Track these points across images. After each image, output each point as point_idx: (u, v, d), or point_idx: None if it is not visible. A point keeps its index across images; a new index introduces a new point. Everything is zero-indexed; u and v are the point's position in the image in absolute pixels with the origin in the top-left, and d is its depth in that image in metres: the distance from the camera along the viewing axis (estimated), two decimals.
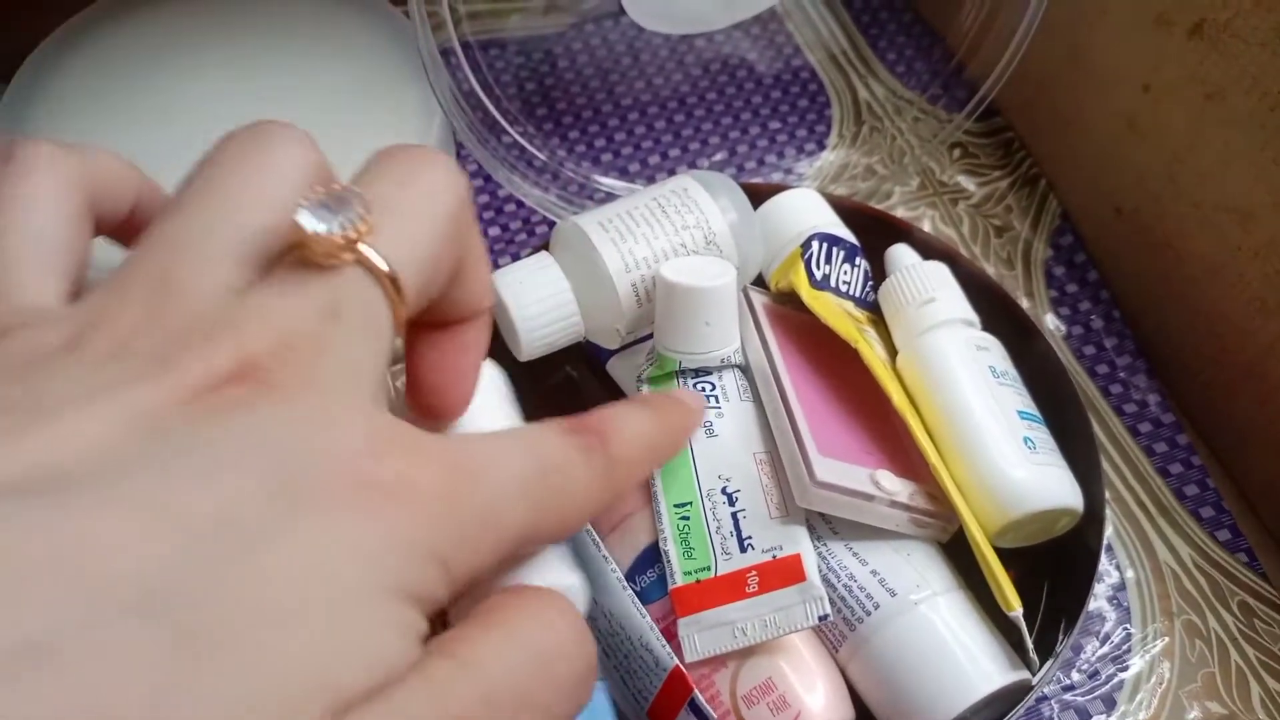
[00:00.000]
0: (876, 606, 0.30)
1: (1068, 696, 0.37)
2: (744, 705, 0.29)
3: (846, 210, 0.40)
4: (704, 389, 0.33)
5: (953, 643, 0.30)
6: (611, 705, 0.28)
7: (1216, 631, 0.38)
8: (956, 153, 0.52)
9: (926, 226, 0.49)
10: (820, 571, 0.31)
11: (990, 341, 0.35)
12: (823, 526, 0.32)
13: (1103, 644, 0.38)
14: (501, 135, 0.45)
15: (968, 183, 0.51)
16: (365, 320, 0.18)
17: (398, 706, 0.15)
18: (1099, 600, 0.39)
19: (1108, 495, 0.41)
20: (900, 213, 0.49)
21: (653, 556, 0.31)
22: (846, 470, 0.31)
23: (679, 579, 0.30)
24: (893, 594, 0.30)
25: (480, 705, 0.16)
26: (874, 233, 0.39)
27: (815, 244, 0.36)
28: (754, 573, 0.30)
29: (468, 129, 0.43)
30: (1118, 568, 0.40)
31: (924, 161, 0.51)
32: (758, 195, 0.39)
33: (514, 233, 0.49)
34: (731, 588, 0.30)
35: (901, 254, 0.38)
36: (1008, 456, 0.32)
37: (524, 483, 0.18)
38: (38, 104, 0.46)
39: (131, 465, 0.14)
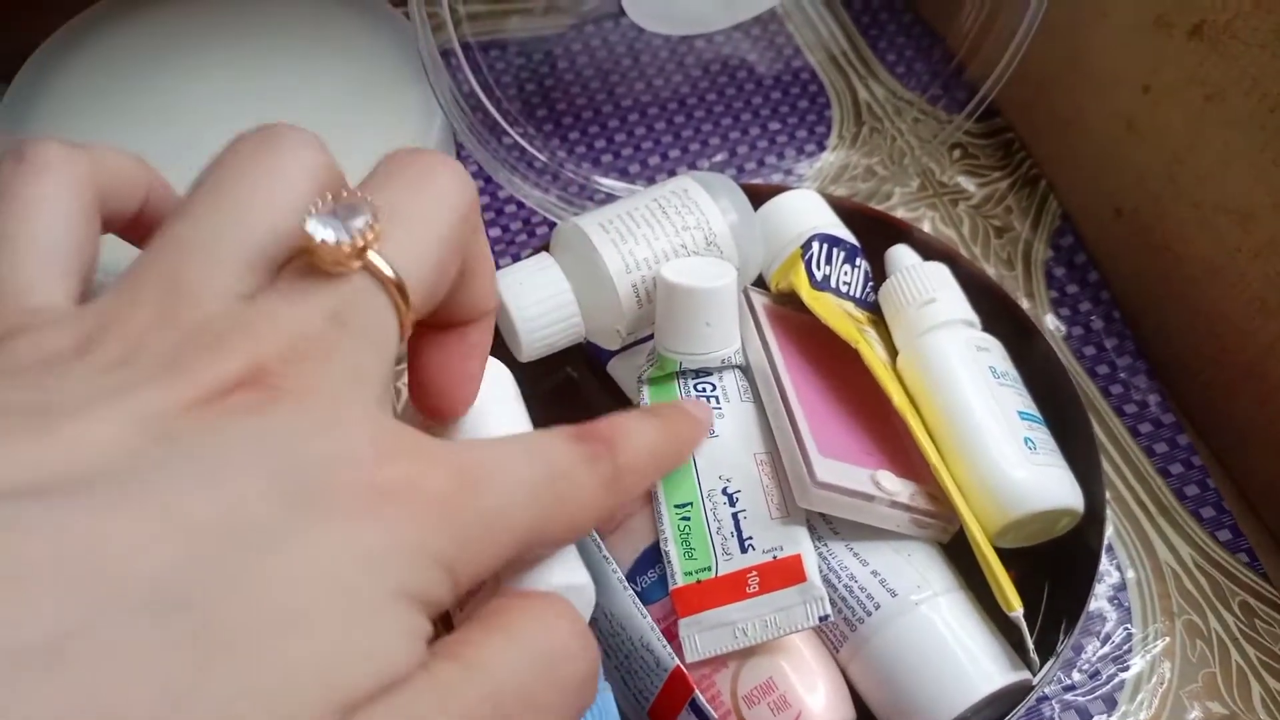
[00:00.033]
0: (877, 607, 0.30)
1: (1069, 696, 0.37)
2: (745, 705, 0.29)
3: (847, 211, 0.40)
4: (704, 389, 0.33)
5: (953, 643, 0.30)
6: (615, 706, 0.28)
7: (1217, 631, 0.38)
8: (956, 154, 0.52)
9: (927, 227, 0.49)
10: (821, 572, 0.31)
11: (990, 342, 0.35)
12: (823, 527, 0.32)
13: (1103, 644, 0.38)
14: (502, 136, 0.45)
15: (968, 183, 0.51)
16: (372, 327, 0.18)
17: (404, 707, 0.15)
18: (1100, 600, 0.39)
19: (1108, 495, 0.41)
20: (900, 213, 0.49)
21: (653, 557, 0.31)
22: (847, 471, 0.31)
23: (680, 579, 0.30)
24: (893, 594, 0.30)
25: (486, 707, 0.16)
26: (874, 233, 0.39)
27: (815, 245, 0.36)
28: (754, 573, 0.30)
29: (468, 130, 0.43)
30: (1118, 568, 0.40)
31: (924, 162, 0.51)
32: (758, 196, 0.39)
33: (514, 234, 0.49)
34: (732, 588, 0.30)
35: (902, 255, 0.38)
36: (1008, 457, 0.32)
37: (530, 488, 0.18)
38: (40, 104, 0.46)
39: (142, 468, 0.14)
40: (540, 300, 0.34)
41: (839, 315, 0.35)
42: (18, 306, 0.17)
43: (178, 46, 0.48)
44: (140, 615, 0.13)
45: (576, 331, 0.35)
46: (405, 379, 0.24)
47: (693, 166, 0.51)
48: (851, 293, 0.37)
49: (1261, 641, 0.38)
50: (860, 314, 0.37)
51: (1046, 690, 0.37)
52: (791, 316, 0.36)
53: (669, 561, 0.30)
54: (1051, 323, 0.46)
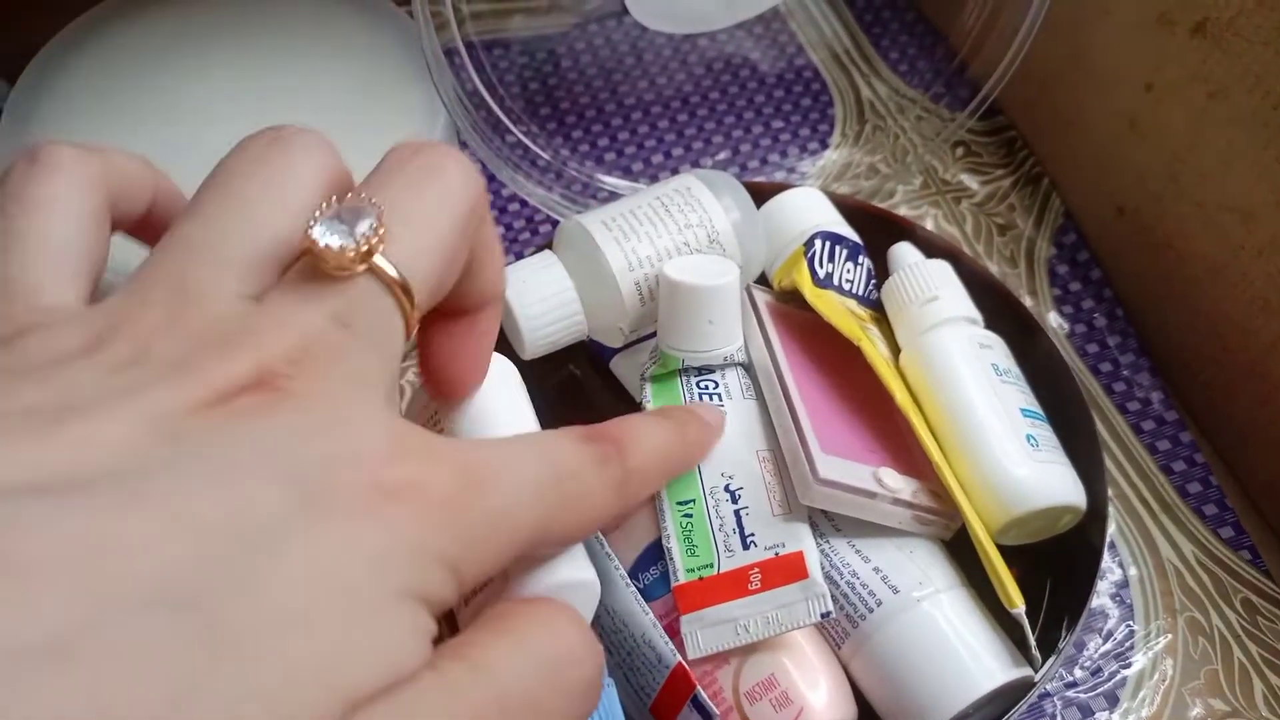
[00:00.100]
0: (879, 603, 0.30)
1: (1070, 693, 0.37)
2: (746, 702, 0.29)
3: (849, 209, 0.40)
4: (707, 387, 0.33)
5: (955, 640, 0.30)
6: (619, 704, 0.28)
7: (1219, 628, 0.39)
8: (959, 151, 0.52)
9: (929, 225, 0.49)
10: (823, 568, 0.31)
11: (993, 339, 0.35)
12: (825, 524, 0.32)
13: (1105, 641, 0.38)
14: (505, 134, 0.45)
15: (971, 181, 0.51)
16: (377, 328, 0.18)
17: (409, 706, 0.15)
18: (1102, 597, 0.39)
19: (1110, 493, 0.41)
20: (903, 211, 0.49)
21: (655, 554, 0.31)
22: (849, 468, 0.31)
23: (681, 576, 0.30)
24: (895, 591, 0.31)
25: (492, 709, 0.16)
26: (877, 231, 0.39)
27: (818, 242, 0.37)
28: (756, 570, 0.30)
29: (471, 128, 0.43)
30: (1120, 565, 0.40)
31: (927, 160, 0.51)
32: (761, 194, 0.39)
33: (517, 231, 0.49)
34: (734, 585, 0.30)
35: (904, 252, 0.38)
36: (1011, 454, 0.32)
37: (537, 488, 0.18)
38: (43, 104, 0.46)
39: (151, 469, 0.15)
40: (543, 298, 0.34)
41: (841, 313, 0.35)
42: (29, 306, 0.18)
43: (181, 46, 0.48)
44: (144, 615, 0.13)
45: (579, 329, 0.35)
46: (410, 373, 0.24)
47: (696, 164, 0.52)
48: (854, 290, 0.37)
49: (1264, 639, 0.38)
50: (863, 311, 0.37)
51: (1048, 687, 0.37)
52: (794, 314, 0.36)
53: (671, 558, 0.31)
54: (1054, 320, 0.46)
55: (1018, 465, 0.31)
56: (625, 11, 0.43)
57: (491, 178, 0.49)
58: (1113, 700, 0.37)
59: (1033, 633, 0.30)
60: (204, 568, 0.14)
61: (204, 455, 0.15)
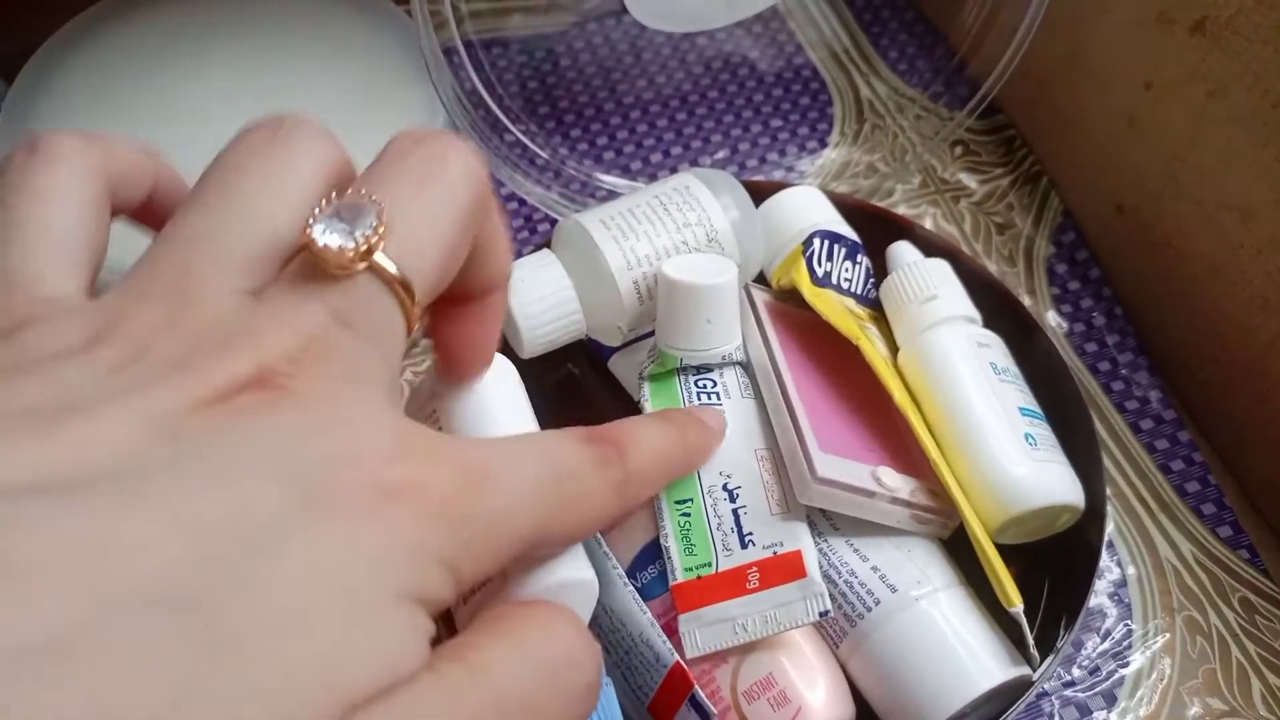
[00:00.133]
0: (877, 602, 0.30)
1: (1068, 692, 0.37)
2: (744, 701, 0.29)
3: (848, 208, 0.40)
4: (705, 386, 0.33)
5: (953, 638, 0.30)
6: (618, 705, 0.28)
7: (1217, 628, 0.39)
8: (958, 150, 0.52)
9: (928, 224, 0.49)
10: (821, 567, 0.31)
11: (992, 338, 0.35)
12: (824, 523, 0.32)
13: (1103, 640, 0.38)
14: (504, 134, 0.45)
15: (969, 180, 0.51)
16: (378, 326, 0.18)
17: (407, 707, 0.15)
18: (1100, 596, 0.39)
19: (1109, 492, 0.41)
20: (902, 210, 0.49)
21: (653, 553, 0.31)
22: (847, 467, 0.31)
23: (680, 575, 0.30)
24: (893, 590, 0.31)
25: (490, 711, 0.16)
26: (875, 230, 0.39)
27: (817, 241, 0.37)
28: (754, 569, 0.30)
29: (470, 127, 0.43)
30: (1119, 564, 0.40)
31: (926, 159, 0.51)
32: (759, 193, 0.39)
33: (516, 230, 0.49)
34: (732, 584, 0.30)
35: (903, 251, 0.38)
36: (1009, 453, 0.32)
37: (537, 489, 0.18)
38: (41, 103, 0.46)
39: (151, 469, 0.15)
40: (542, 297, 0.34)
41: (840, 312, 0.35)
42: (30, 297, 0.17)
43: (179, 46, 0.48)
44: (144, 615, 0.13)
45: (578, 328, 0.35)
46: (408, 371, 0.24)
47: (694, 163, 0.52)
48: (853, 289, 0.37)
49: (1262, 638, 0.38)
50: (861, 310, 0.37)
51: (1046, 686, 0.37)
52: (793, 313, 0.36)
53: (669, 557, 0.30)
54: (1053, 319, 0.46)
55: (1016, 464, 0.31)
56: (624, 10, 0.43)
57: (490, 176, 0.49)
58: (1110, 699, 0.37)
59: (1031, 632, 0.30)
60: (204, 568, 0.14)
61: (204, 455, 0.15)
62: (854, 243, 0.38)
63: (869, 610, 0.30)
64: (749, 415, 0.33)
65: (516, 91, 0.53)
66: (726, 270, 0.33)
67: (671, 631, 0.30)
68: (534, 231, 0.49)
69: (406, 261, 0.18)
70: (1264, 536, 0.41)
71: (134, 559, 0.13)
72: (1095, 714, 0.37)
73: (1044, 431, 0.33)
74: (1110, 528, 0.41)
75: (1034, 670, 0.30)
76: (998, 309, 0.37)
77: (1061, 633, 0.32)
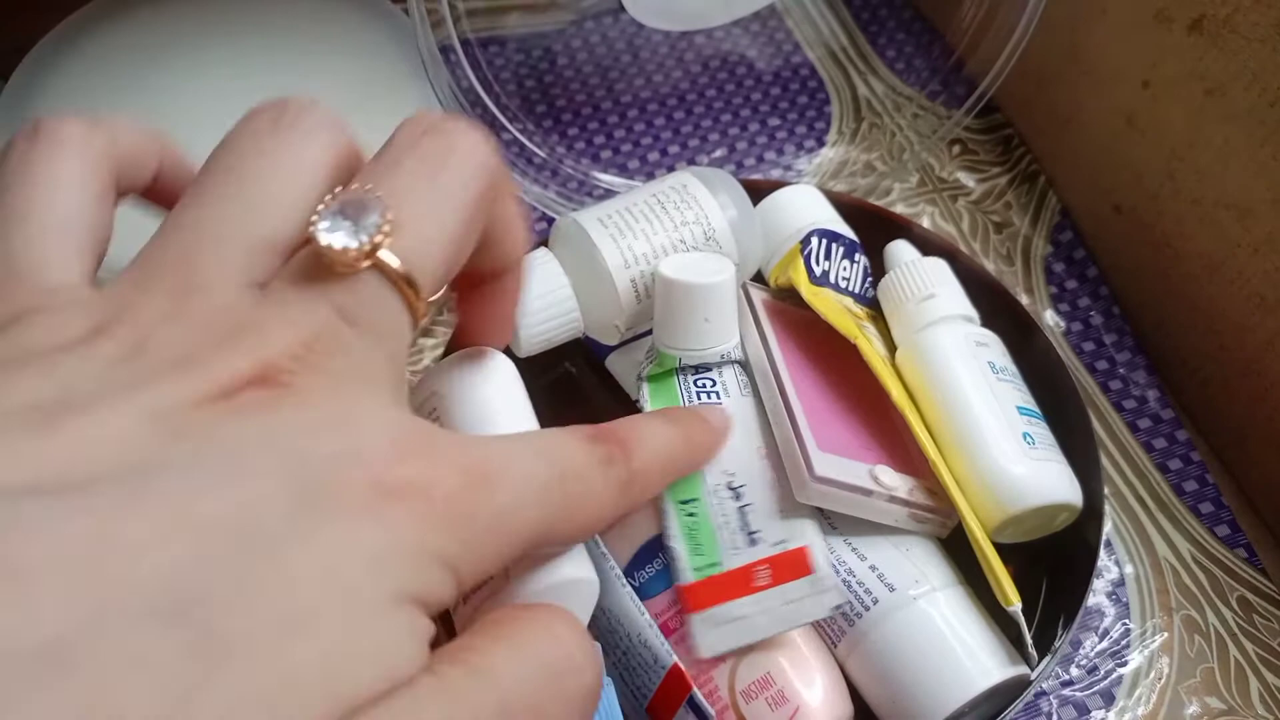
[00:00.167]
0: (875, 601, 0.30)
1: (1066, 692, 0.37)
2: (742, 700, 0.29)
3: (846, 207, 0.40)
4: (704, 385, 0.33)
5: (951, 638, 0.30)
6: (618, 706, 0.28)
7: (1215, 627, 0.38)
8: (956, 149, 0.52)
9: (926, 223, 0.49)
10: None
11: (990, 337, 0.35)
12: (822, 522, 0.32)
13: (1101, 639, 0.38)
14: (501, 132, 0.45)
15: (967, 179, 0.51)
16: (382, 323, 0.18)
17: (411, 711, 0.15)
18: (1098, 596, 0.39)
19: (1107, 491, 0.41)
20: (900, 209, 0.49)
21: (653, 550, 0.31)
22: (846, 465, 0.31)
23: (688, 576, 0.30)
24: (891, 589, 0.30)
25: (493, 714, 0.16)
26: (873, 229, 0.39)
27: (814, 240, 0.36)
28: (763, 566, 0.30)
29: None
30: (1117, 563, 0.40)
31: (923, 158, 0.51)
32: (757, 192, 0.39)
33: None
34: (741, 582, 0.30)
35: (901, 250, 0.38)
36: (1007, 452, 0.32)
37: (540, 488, 0.18)
38: (36, 101, 0.46)
39: (152, 467, 0.14)
40: (539, 295, 0.34)
41: (838, 310, 0.35)
42: (34, 285, 0.17)
43: (174, 44, 0.48)
44: (143, 618, 0.13)
45: (575, 326, 0.35)
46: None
47: (692, 162, 0.51)
48: (850, 288, 0.37)
49: (1260, 637, 0.38)
50: (859, 309, 0.37)
51: (1044, 685, 0.37)
52: (790, 312, 0.36)
53: (676, 558, 0.30)
54: (1050, 318, 0.46)
55: (1014, 463, 0.31)
56: (622, 9, 0.43)
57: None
58: (1109, 698, 0.37)
59: (1029, 631, 0.30)
60: (204, 570, 0.14)
61: (205, 454, 0.15)
62: (852, 241, 0.38)
63: (867, 609, 0.30)
64: (750, 413, 0.33)
65: (514, 90, 0.53)
66: (723, 268, 0.33)
67: (670, 630, 0.30)
68: (531, 230, 0.49)
69: (412, 257, 0.18)
70: (1262, 536, 0.41)
71: (133, 561, 0.13)
72: (1093, 713, 0.37)
73: (1042, 430, 0.33)
74: (1108, 527, 0.41)
75: (1032, 669, 0.30)
76: (995, 308, 0.37)
77: (1059, 632, 0.32)
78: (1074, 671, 0.38)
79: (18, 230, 0.18)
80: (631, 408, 0.35)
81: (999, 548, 0.31)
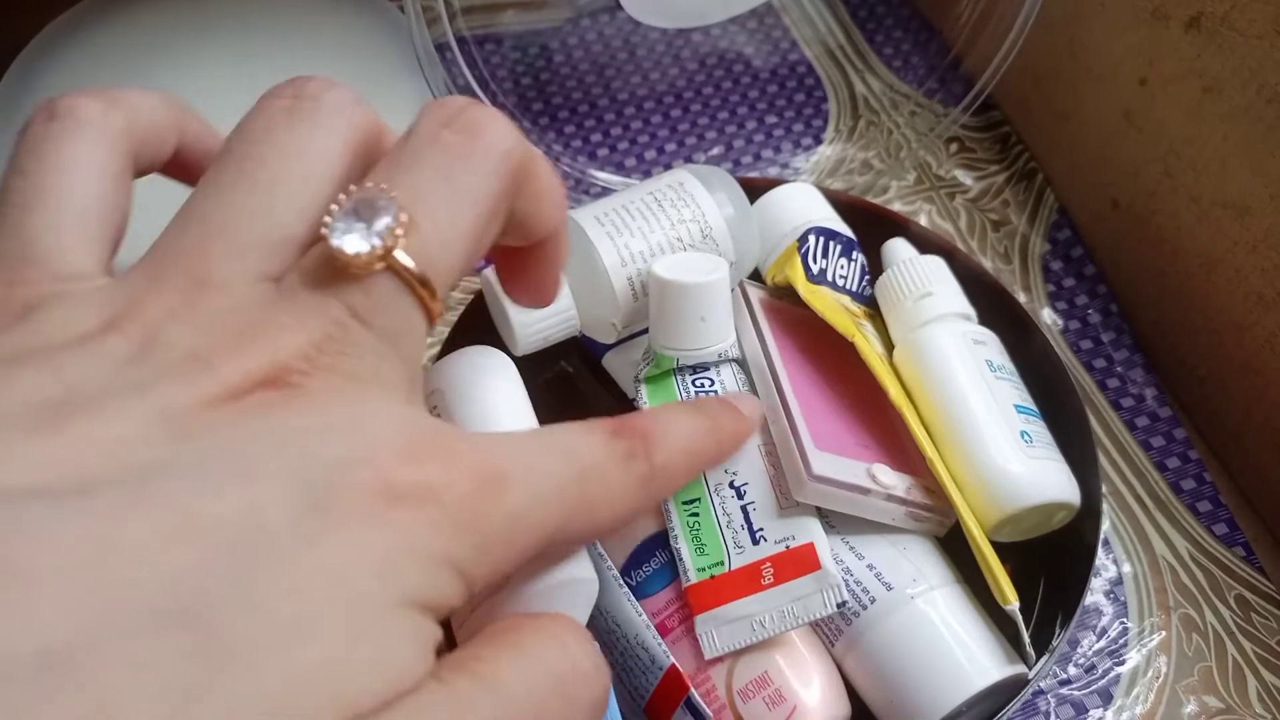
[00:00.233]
0: (873, 600, 0.30)
1: (1064, 690, 0.37)
2: (740, 700, 0.29)
3: (843, 205, 0.40)
4: (703, 385, 0.33)
5: (949, 637, 0.30)
6: (616, 705, 0.28)
7: (1213, 626, 0.38)
8: (953, 147, 0.52)
9: (923, 221, 0.49)
10: None
11: (987, 336, 0.35)
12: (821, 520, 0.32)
13: (1099, 638, 0.38)
14: None
15: (965, 177, 0.51)
16: (396, 323, 0.17)
17: (418, 718, 0.15)
18: (1096, 594, 0.39)
19: (1105, 489, 0.41)
20: (897, 207, 0.49)
21: (651, 548, 0.31)
22: (843, 464, 0.31)
23: (693, 576, 0.30)
24: (889, 588, 0.30)
25: None
26: (871, 227, 0.39)
27: (812, 238, 0.36)
28: (768, 564, 0.30)
29: None
30: (1115, 562, 0.40)
31: (921, 156, 0.51)
32: (754, 190, 0.38)
33: None
34: (747, 581, 0.30)
35: (898, 248, 0.38)
36: (1004, 451, 0.31)
37: (558, 487, 0.18)
38: (31, 99, 0.46)
39: (158, 469, 0.14)
40: None
41: (835, 309, 0.35)
42: (50, 272, 0.17)
43: (169, 42, 0.48)
44: (148, 623, 0.13)
45: (572, 325, 0.35)
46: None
47: (689, 160, 0.51)
48: (848, 286, 0.37)
49: (1258, 635, 0.38)
50: (857, 307, 0.37)
51: (1042, 684, 0.37)
52: (788, 310, 0.36)
53: (680, 559, 0.30)
54: (1048, 316, 0.46)
55: (1012, 462, 0.31)
56: (618, 6, 0.43)
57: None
58: (1106, 697, 0.37)
59: (1027, 629, 0.30)
60: (209, 575, 0.13)
61: (213, 455, 0.15)
62: (849, 239, 0.38)
63: (865, 608, 0.30)
64: None
65: (510, 88, 0.53)
66: (718, 268, 0.33)
67: (667, 631, 0.29)
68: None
69: (427, 257, 0.17)
70: (1260, 534, 0.41)
71: (138, 565, 0.13)
72: (1091, 712, 0.37)
73: (1039, 429, 0.33)
74: (1106, 525, 0.40)
75: (1030, 668, 0.30)
76: (993, 306, 0.37)
77: (1057, 630, 0.32)
78: (1072, 670, 0.38)
79: (36, 215, 0.18)
80: (629, 406, 0.35)
81: (997, 546, 0.31)
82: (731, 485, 0.31)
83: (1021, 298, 0.46)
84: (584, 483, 0.18)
